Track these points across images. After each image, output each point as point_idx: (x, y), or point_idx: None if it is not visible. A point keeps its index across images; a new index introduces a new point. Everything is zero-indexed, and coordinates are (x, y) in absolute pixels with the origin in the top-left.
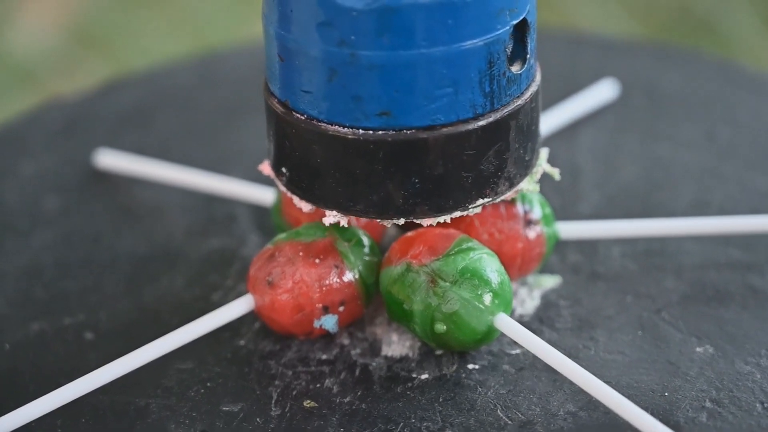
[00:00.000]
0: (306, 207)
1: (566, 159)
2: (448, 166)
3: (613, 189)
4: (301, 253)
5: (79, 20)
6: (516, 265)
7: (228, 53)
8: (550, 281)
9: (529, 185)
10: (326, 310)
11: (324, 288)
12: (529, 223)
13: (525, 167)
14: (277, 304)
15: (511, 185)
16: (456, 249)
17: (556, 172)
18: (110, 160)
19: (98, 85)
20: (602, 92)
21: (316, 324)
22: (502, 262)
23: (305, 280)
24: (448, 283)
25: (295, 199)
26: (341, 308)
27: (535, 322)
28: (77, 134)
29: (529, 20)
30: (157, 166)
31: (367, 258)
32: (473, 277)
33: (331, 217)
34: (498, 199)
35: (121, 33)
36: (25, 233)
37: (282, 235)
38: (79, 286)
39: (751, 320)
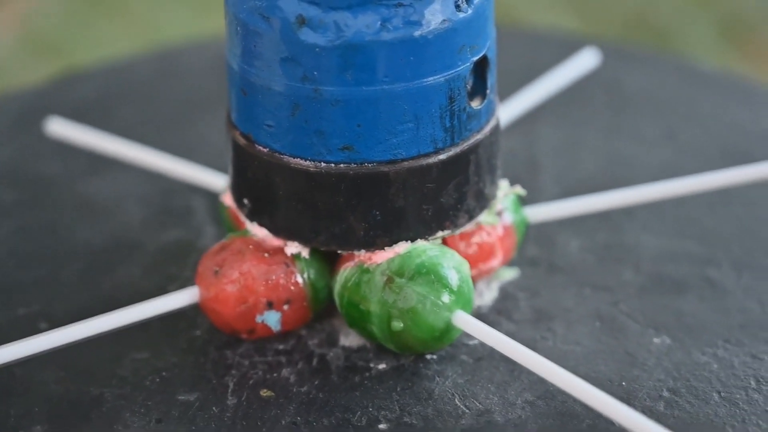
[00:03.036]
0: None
1: (526, 154)
2: (408, 199)
3: (572, 183)
4: (251, 247)
5: (32, 27)
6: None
7: (183, 48)
8: (509, 273)
9: (488, 217)
10: (270, 305)
11: (270, 283)
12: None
13: (484, 200)
14: (222, 295)
15: (471, 217)
16: (412, 247)
17: (519, 189)
18: (61, 128)
19: (52, 79)
20: (584, 61)
21: (258, 319)
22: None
23: (252, 272)
24: (404, 279)
25: (257, 229)
26: (286, 306)
27: (493, 314)
28: (32, 127)
29: (489, 56)
30: (106, 139)
31: (318, 261)
32: (429, 273)
33: (292, 247)
34: (457, 231)
35: (74, 40)
36: None
37: (237, 233)
38: (35, 277)
39: (708, 312)
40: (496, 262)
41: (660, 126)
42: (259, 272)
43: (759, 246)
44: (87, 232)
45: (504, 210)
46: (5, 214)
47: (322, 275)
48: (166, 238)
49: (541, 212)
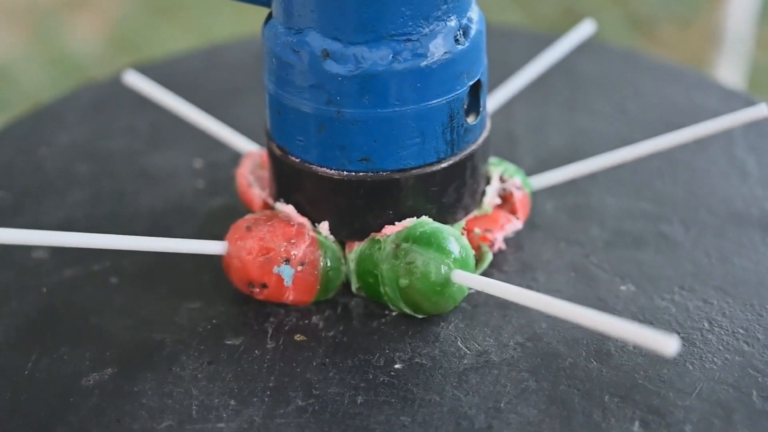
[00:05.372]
0: None
1: (505, 130)
2: (416, 201)
3: (544, 153)
4: (280, 216)
5: (115, 28)
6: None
7: (227, 45)
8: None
9: (479, 212)
10: (287, 261)
11: (291, 244)
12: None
13: (477, 197)
14: (248, 245)
15: (467, 213)
16: (417, 221)
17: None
18: (135, 80)
19: (121, 71)
20: (583, 30)
21: (276, 270)
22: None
23: (277, 232)
24: (409, 244)
25: (284, 207)
26: (300, 267)
27: (486, 266)
28: (105, 110)
29: (482, 80)
30: (171, 97)
31: (335, 247)
32: (430, 238)
33: (323, 227)
34: (456, 225)
35: (146, 38)
36: (61, 192)
37: (264, 211)
38: None
39: (665, 262)
40: (523, 219)
41: (612, 104)
42: (283, 233)
43: (702, 205)
44: (148, 198)
45: (521, 185)
46: (80, 184)
47: (334, 259)
48: (213, 204)
49: (533, 182)
